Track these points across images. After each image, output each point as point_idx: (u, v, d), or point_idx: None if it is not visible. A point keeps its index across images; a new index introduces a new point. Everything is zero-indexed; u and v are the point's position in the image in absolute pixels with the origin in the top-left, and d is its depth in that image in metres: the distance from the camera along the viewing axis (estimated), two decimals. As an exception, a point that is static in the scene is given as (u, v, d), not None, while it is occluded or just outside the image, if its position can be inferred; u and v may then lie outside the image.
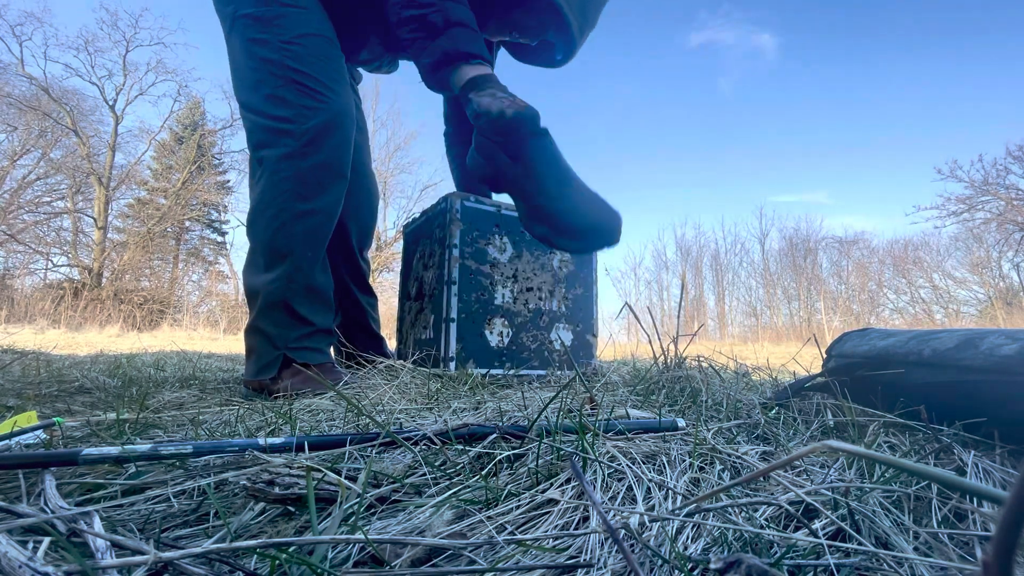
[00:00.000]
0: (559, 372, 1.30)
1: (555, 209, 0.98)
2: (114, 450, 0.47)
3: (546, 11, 1.23)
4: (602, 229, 1.00)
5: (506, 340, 1.24)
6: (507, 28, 1.31)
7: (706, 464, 0.50)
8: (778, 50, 27.28)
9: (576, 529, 0.38)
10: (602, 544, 0.35)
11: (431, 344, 1.22)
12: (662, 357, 1.00)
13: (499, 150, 0.98)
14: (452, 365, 1.15)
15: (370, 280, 1.52)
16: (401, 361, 1.25)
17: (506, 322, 1.25)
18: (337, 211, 1.19)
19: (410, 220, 1.47)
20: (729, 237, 24.35)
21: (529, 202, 1.00)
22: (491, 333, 1.23)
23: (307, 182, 1.12)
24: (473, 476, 0.47)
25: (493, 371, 1.20)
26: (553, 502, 0.41)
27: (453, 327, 1.17)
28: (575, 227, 0.98)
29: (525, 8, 1.25)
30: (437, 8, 1.01)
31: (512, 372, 1.23)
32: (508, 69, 1.57)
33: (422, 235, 1.39)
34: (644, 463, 0.48)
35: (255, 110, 1.14)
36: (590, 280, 1.43)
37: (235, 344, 5.68)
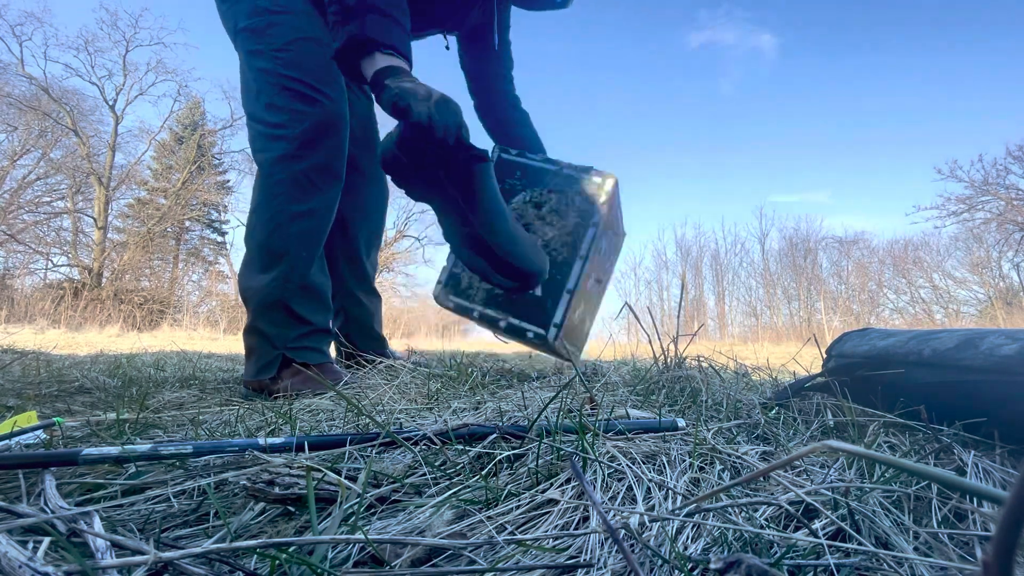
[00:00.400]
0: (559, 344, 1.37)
1: (497, 245, 0.99)
2: (114, 450, 0.47)
3: None
4: (538, 276, 1.08)
5: (575, 315, 1.32)
6: None
7: (706, 464, 0.50)
8: (778, 50, 27.31)
9: (576, 529, 0.38)
10: (602, 544, 0.35)
11: (531, 299, 1.25)
12: (662, 357, 1.00)
13: (437, 167, 0.91)
14: (555, 332, 1.20)
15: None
16: (401, 361, 1.25)
17: (578, 302, 1.32)
18: (333, 211, 1.19)
19: (518, 151, 1.41)
20: (729, 237, 24.38)
21: (464, 228, 0.99)
22: (574, 311, 1.29)
23: (301, 184, 1.12)
24: (473, 476, 0.47)
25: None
26: (553, 502, 0.41)
27: (569, 299, 1.22)
28: (516, 271, 1.03)
29: None
30: None
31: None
32: (514, 67, 1.60)
33: (542, 181, 1.35)
34: (644, 463, 0.48)
35: (257, 119, 1.15)
36: (608, 277, 1.53)
37: (235, 344, 5.67)
